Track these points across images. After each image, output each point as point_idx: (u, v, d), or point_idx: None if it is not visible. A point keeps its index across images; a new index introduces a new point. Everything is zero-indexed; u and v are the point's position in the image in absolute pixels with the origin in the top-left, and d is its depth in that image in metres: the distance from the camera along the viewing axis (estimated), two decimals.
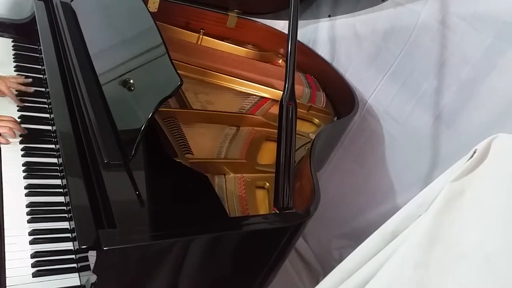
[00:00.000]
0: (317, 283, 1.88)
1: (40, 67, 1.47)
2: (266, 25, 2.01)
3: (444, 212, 0.69)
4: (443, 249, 0.69)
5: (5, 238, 0.95)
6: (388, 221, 0.81)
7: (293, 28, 1.19)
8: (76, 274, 0.93)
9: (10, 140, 1.15)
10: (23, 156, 1.13)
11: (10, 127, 1.14)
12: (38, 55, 1.52)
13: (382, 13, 1.70)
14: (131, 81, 1.08)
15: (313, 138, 1.33)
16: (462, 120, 1.42)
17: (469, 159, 0.70)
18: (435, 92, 1.51)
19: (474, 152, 0.69)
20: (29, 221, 0.99)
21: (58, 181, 1.10)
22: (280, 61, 1.96)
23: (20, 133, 1.17)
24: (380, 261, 0.77)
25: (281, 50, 1.99)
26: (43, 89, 1.38)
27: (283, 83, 1.18)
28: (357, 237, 1.77)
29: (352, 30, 1.84)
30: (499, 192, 0.66)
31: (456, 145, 1.43)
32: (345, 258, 0.92)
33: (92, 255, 0.82)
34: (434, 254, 0.69)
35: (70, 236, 0.99)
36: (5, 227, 0.96)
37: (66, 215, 1.02)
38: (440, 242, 0.69)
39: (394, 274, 0.73)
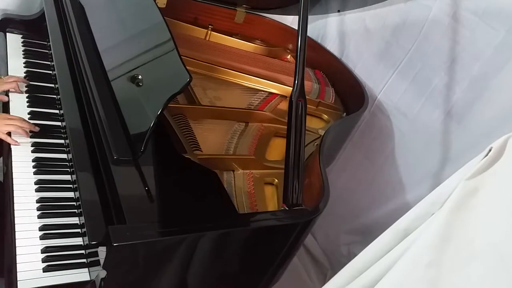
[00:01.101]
0: (325, 278, 1.89)
1: (49, 63, 1.48)
2: (274, 20, 1.99)
3: (457, 211, 0.68)
4: (456, 249, 0.68)
5: (16, 233, 0.95)
6: (401, 219, 0.80)
7: (303, 24, 1.18)
8: (86, 269, 0.93)
9: (20, 140, 1.14)
10: (33, 152, 1.14)
11: (18, 125, 1.14)
12: (47, 51, 1.53)
13: (392, 8, 1.68)
14: (140, 77, 1.08)
15: (322, 134, 1.32)
16: (473, 117, 1.41)
17: (484, 157, 0.68)
18: (445, 88, 1.50)
19: (490, 150, 0.68)
20: (39, 217, 1.00)
21: (67, 177, 1.10)
22: (289, 56, 1.95)
23: (31, 131, 1.17)
24: (392, 259, 0.76)
25: (290, 46, 1.98)
26: (52, 85, 1.38)
27: (292, 78, 1.17)
28: (365, 233, 1.77)
29: (361, 25, 1.82)
30: None
31: (467, 142, 1.41)
32: (353, 254, 0.91)
33: (102, 251, 0.82)
34: (447, 253, 0.68)
35: (80, 232, 0.99)
36: (15, 222, 0.97)
37: (75, 210, 1.03)
38: (453, 241, 0.68)
39: (406, 272, 0.72)
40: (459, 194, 0.68)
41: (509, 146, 0.67)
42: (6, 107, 1.28)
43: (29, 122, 1.18)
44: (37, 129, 1.18)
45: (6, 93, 1.30)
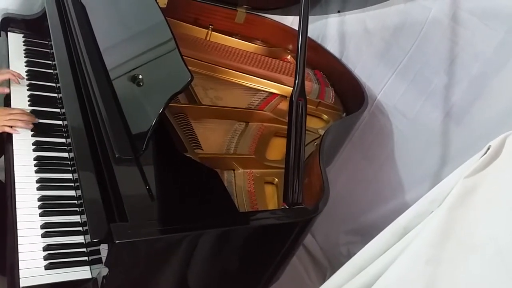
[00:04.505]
0: (325, 278, 1.89)
1: (50, 62, 1.48)
2: (274, 20, 2.00)
3: (456, 208, 0.69)
4: (455, 245, 0.69)
5: (18, 231, 0.96)
6: (400, 216, 0.81)
7: (303, 24, 1.18)
8: (88, 267, 0.94)
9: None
10: (34, 150, 1.14)
11: (18, 119, 1.15)
12: (48, 50, 1.53)
13: (392, 9, 1.69)
14: (141, 76, 1.08)
15: (322, 134, 1.33)
16: (472, 117, 1.41)
17: (482, 156, 0.69)
18: (445, 88, 1.50)
19: (488, 149, 0.69)
20: (41, 215, 1.00)
21: (69, 175, 1.11)
22: (289, 57, 1.96)
23: (32, 123, 1.18)
24: (392, 257, 0.77)
25: (290, 46, 1.98)
26: (53, 84, 1.39)
27: (292, 79, 1.18)
28: (365, 233, 1.77)
29: (361, 25, 1.83)
30: None
31: (466, 142, 1.42)
32: (353, 254, 0.92)
33: (103, 248, 0.83)
34: (446, 249, 0.69)
35: (82, 230, 1.00)
36: (17, 221, 0.98)
37: (77, 208, 1.03)
38: (452, 238, 0.69)
39: (406, 269, 0.73)
40: (458, 192, 0.69)
41: (507, 144, 0.67)
42: (7, 104, 1.28)
43: (30, 114, 1.19)
44: (37, 120, 1.20)
45: (8, 84, 1.31)
